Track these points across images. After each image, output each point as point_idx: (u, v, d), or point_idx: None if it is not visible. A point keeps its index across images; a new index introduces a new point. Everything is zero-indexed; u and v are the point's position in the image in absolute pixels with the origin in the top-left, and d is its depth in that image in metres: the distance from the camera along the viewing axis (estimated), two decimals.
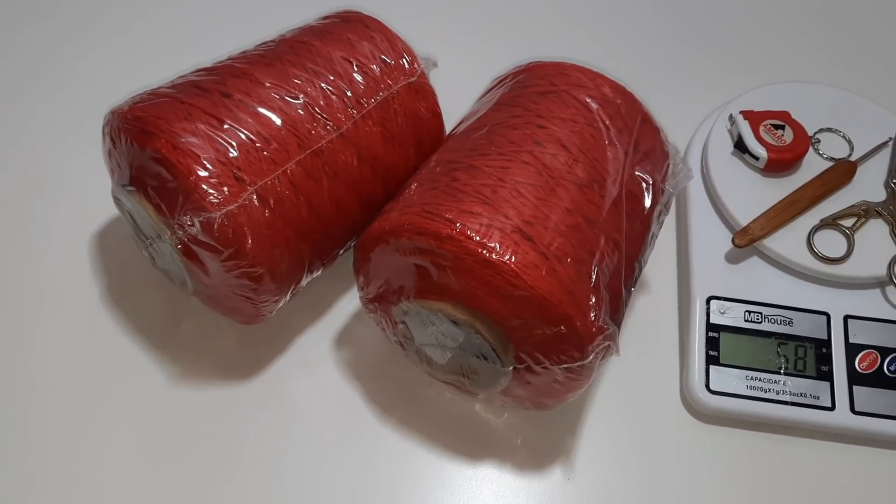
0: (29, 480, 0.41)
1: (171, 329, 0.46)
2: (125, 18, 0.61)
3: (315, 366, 0.46)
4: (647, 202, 0.40)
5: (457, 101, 0.46)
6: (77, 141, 0.53)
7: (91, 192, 0.50)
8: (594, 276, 0.36)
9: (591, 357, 0.36)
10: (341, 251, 0.44)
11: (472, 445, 0.44)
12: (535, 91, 0.42)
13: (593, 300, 0.36)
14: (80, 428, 0.43)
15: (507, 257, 0.35)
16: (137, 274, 0.48)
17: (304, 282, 0.42)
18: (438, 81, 0.45)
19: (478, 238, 0.35)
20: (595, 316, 0.36)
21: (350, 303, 0.48)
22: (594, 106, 0.41)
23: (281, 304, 0.42)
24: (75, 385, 0.44)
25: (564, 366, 0.37)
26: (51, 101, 0.56)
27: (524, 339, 0.37)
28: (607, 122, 0.41)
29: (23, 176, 0.52)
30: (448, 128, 0.46)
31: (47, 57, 0.58)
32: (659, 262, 0.50)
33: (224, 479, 0.42)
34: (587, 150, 0.39)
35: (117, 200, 0.41)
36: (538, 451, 0.43)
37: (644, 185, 0.40)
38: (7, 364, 0.45)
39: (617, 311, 0.38)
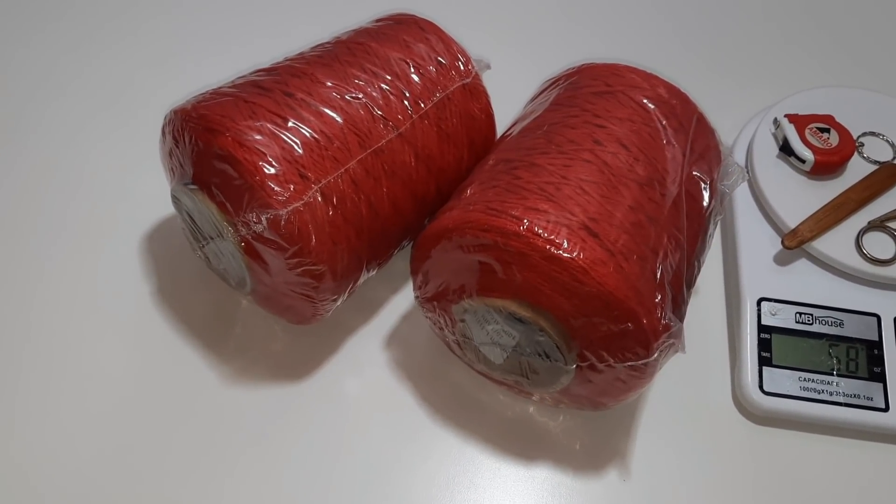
0: (80, 481, 0.41)
1: (223, 330, 0.46)
2: (171, 19, 0.62)
3: (366, 366, 0.46)
4: (705, 201, 0.41)
5: (505, 103, 0.47)
6: (127, 141, 0.54)
7: (142, 193, 0.50)
8: (658, 274, 0.36)
9: (656, 354, 0.36)
10: (396, 251, 0.44)
11: (527, 447, 0.43)
12: (590, 92, 0.42)
13: (658, 297, 0.36)
14: (133, 429, 0.43)
15: (575, 254, 0.35)
16: (188, 275, 0.48)
17: (360, 281, 0.42)
18: (487, 83, 0.45)
19: (545, 234, 0.35)
20: (661, 313, 0.36)
21: (400, 303, 0.48)
22: (651, 106, 0.41)
23: (338, 304, 0.42)
24: (127, 386, 0.44)
25: (628, 363, 0.37)
26: (102, 101, 0.56)
27: (588, 337, 0.37)
28: (664, 122, 0.41)
29: (74, 178, 0.52)
30: (497, 129, 0.46)
31: (107, 62, 0.59)
32: (705, 262, 0.50)
33: (277, 479, 0.42)
34: (646, 150, 0.39)
35: (176, 200, 0.42)
36: (593, 452, 0.43)
37: (702, 184, 0.40)
38: (59, 365, 0.45)
39: (678, 308, 0.38)
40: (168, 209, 0.44)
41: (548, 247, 0.35)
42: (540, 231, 0.35)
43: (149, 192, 0.49)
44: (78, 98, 0.56)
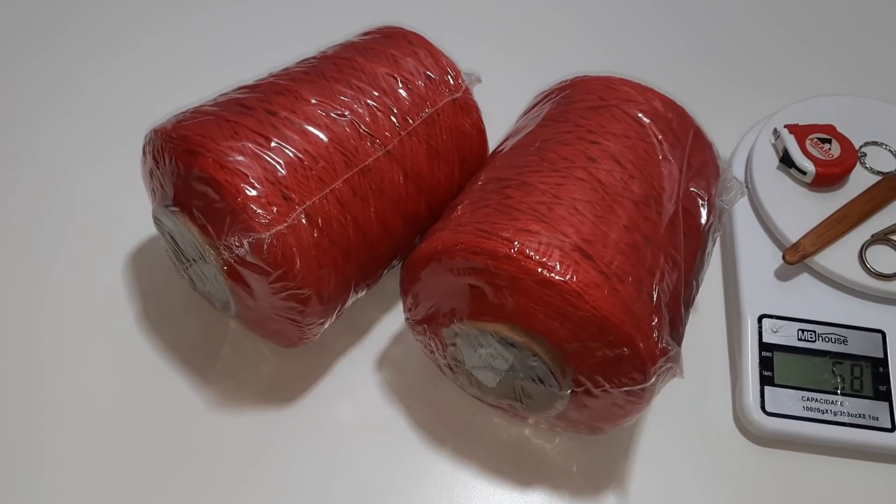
0: None
1: (210, 353, 0.45)
2: (159, 37, 0.61)
3: (356, 389, 0.44)
4: (703, 218, 0.39)
5: (497, 118, 0.45)
6: (111, 161, 0.53)
7: (126, 214, 0.49)
8: (655, 296, 0.35)
9: (654, 379, 0.35)
10: (386, 271, 0.42)
11: (522, 471, 0.42)
12: (583, 106, 0.41)
13: (655, 320, 0.35)
14: (118, 453, 0.42)
15: (569, 277, 0.33)
16: (174, 297, 0.47)
17: (349, 303, 0.41)
18: (478, 98, 0.44)
19: (537, 257, 0.34)
20: (658, 336, 0.35)
21: (391, 324, 0.46)
22: (646, 121, 0.40)
23: (326, 326, 0.41)
24: (112, 410, 0.43)
25: (625, 388, 0.35)
26: (85, 121, 0.55)
27: (583, 362, 0.36)
28: (660, 136, 0.40)
29: (57, 198, 0.51)
30: (489, 144, 0.45)
31: (83, 78, 0.58)
32: (704, 280, 0.49)
33: None
34: (641, 166, 0.38)
35: (157, 221, 0.40)
36: (591, 476, 0.42)
37: (700, 200, 0.39)
38: (43, 389, 0.43)
39: (676, 330, 0.37)
40: (153, 230, 0.43)
41: (540, 270, 0.34)
42: (531, 253, 0.34)
43: (135, 212, 0.48)
44: (69, 118, 0.55)
